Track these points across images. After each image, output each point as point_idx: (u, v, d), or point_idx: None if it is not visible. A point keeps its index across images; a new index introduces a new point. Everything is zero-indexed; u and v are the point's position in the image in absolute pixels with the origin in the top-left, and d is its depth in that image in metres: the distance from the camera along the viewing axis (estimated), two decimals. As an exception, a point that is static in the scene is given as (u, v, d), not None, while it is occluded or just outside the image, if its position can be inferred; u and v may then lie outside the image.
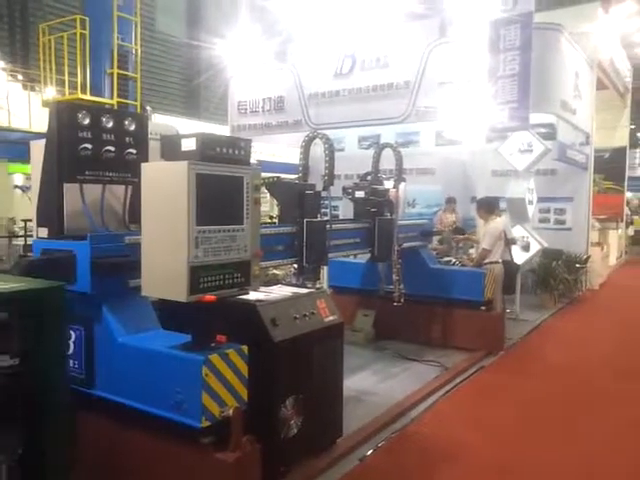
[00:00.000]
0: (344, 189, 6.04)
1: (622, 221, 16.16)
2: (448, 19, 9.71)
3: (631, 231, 19.67)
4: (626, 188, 16.23)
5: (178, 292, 2.72)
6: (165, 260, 2.76)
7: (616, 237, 15.17)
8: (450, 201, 9.80)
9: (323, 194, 4.77)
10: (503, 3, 7.66)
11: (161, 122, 11.13)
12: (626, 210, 17.08)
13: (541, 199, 9.59)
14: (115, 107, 9.04)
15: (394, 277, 6.13)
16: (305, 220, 4.53)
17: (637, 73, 16.48)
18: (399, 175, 6.23)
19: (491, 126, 8.14)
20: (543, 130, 9.47)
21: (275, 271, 7.39)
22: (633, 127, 23.13)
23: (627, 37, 14.59)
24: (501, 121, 7.80)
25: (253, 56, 12.82)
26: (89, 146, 3.29)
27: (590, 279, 11.15)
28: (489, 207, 7.24)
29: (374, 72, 9.56)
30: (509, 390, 5.59)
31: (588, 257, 10.72)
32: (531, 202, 8.74)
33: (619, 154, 15.20)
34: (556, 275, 9.67)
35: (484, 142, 9.04)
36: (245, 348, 2.99)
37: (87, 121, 3.29)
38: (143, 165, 2.92)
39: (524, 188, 8.54)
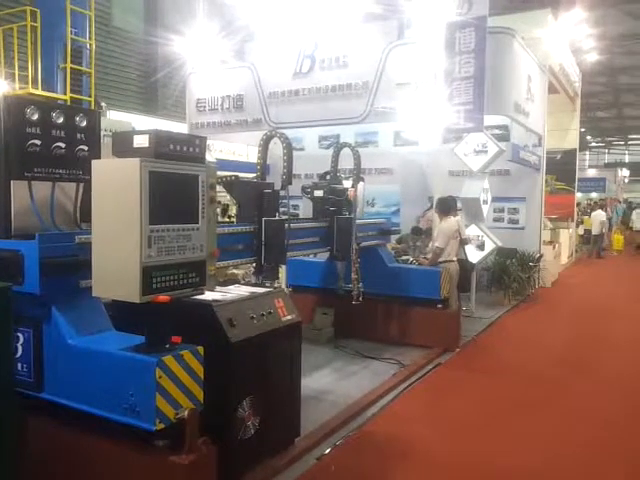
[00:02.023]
0: (303, 188, 6.06)
1: (573, 221, 16.75)
2: (406, 21, 9.82)
3: (581, 230, 20.40)
4: (576, 189, 16.82)
5: (131, 293, 2.66)
6: (117, 260, 2.70)
7: (567, 236, 15.69)
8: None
9: (281, 193, 4.77)
10: (458, 6, 7.80)
11: (116, 118, 10.86)
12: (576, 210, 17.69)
13: (495, 199, 9.84)
14: (68, 103, 8.77)
15: (353, 276, 6.18)
16: (263, 219, 4.52)
17: (586, 79, 17.08)
18: (358, 174, 6.29)
19: (447, 127, 8.27)
20: (497, 132, 9.73)
21: (234, 270, 7.32)
22: (583, 130, 24.01)
23: (575, 43, 15.13)
24: (457, 122, 7.93)
25: (212, 53, 12.64)
26: (38, 142, 3.18)
27: (543, 277, 11.50)
28: (444, 207, 7.42)
29: (333, 72, 9.58)
30: (465, 386, 5.71)
31: (541, 256, 11.05)
32: (486, 202, 8.95)
33: (570, 156, 15.71)
34: (510, 273, 9.93)
35: (441, 143, 9.18)
36: (201, 349, 2.95)
37: (36, 116, 3.18)
38: (94, 162, 2.84)
39: (479, 188, 8.74)
